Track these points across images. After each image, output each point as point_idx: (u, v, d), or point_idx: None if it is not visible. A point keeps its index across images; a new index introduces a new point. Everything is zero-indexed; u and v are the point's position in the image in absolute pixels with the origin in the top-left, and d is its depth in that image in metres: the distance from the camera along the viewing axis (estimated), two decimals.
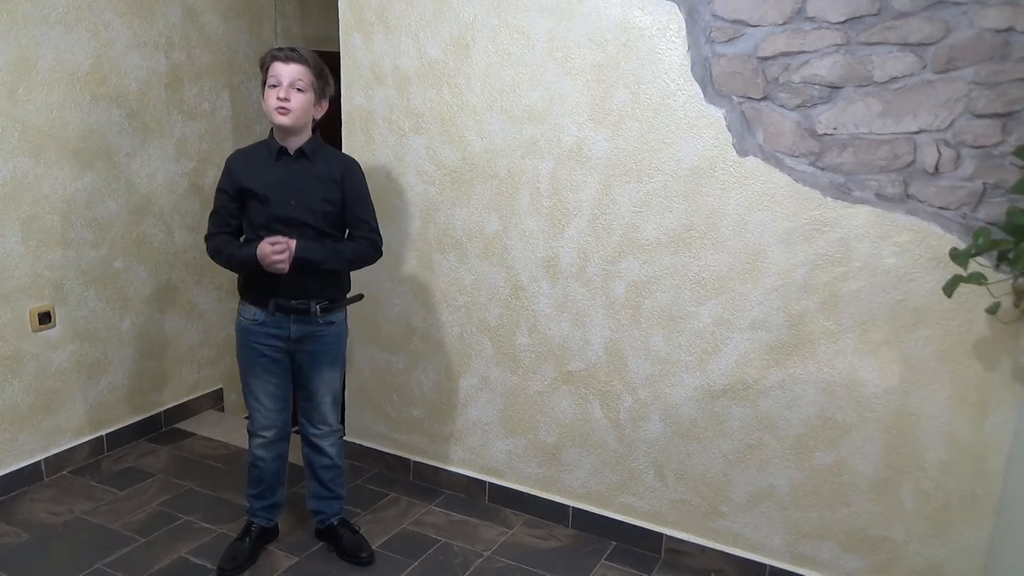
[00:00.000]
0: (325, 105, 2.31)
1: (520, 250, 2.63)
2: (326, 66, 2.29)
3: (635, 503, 2.61)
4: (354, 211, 2.35)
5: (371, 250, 2.39)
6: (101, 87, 2.99)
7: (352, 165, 2.38)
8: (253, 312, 2.32)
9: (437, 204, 2.75)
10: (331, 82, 2.32)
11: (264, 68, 2.23)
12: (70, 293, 2.98)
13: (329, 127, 3.01)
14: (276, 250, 2.17)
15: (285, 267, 2.19)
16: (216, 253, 2.31)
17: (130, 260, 3.21)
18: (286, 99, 2.18)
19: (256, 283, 2.29)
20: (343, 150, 2.89)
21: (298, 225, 2.25)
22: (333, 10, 2.83)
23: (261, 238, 2.21)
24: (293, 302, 2.29)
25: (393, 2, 2.66)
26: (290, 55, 2.19)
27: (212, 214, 2.33)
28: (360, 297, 2.54)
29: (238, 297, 2.39)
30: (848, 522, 2.28)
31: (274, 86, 2.19)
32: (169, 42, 3.24)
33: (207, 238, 2.34)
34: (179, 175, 3.37)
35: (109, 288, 3.13)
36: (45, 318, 2.89)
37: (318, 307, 2.31)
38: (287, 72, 2.18)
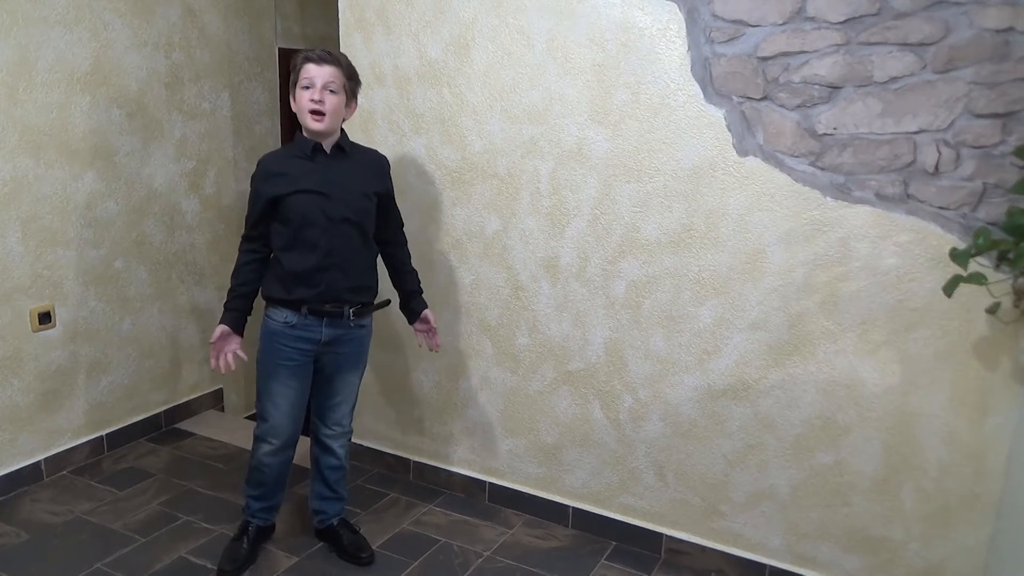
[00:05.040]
0: (355, 106, 2.32)
1: (520, 250, 2.63)
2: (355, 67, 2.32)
3: (635, 503, 2.61)
4: (390, 211, 2.43)
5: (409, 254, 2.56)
6: (101, 87, 2.99)
7: (386, 161, 2.43)
8: (285, 315, 2.29)
9: (437, 204, 2.75)
10: (360, 82, 2.33)
11: (296, 69, 2.22)
12: (70, 293, 2.98)
13: None
14: (214, 353, 2.33)
15: (214, 364, 2.34)
16: (237, 267, 2.35)
17: (130, 260, 3.21)
18: (320, 101, 2.17)
19: (289, 288, 2.27)
20: None
21: (338, 220, 2.24)
22: (333, 10, 2.83)
23: (299, 239, 2.23)
24: (327, 306, 2.29)
25: (393, 2, 2.66)
26: (324, 57, 2.19)
27: (247, 216, 2.34)
28: (387, 302, 2.55)
29: (263, 303, 2.38)
30: (848, 522, 2.28)
31: (307, 87, 2.18)
32: (169, 42, 3.24)
33: (243, 240, 2.36)
34: (179, 175, 3.37)
35: (109, 288, 3.13)
36: (45, 318, 2.89)
37: (351, 311, 2.32)
38: (320, 74, 2.17)
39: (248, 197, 2.33)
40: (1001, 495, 2.07)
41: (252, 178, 2.31)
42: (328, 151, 2.27)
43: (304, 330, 2.30)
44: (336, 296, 2.29)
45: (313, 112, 2.18)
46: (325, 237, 2.23)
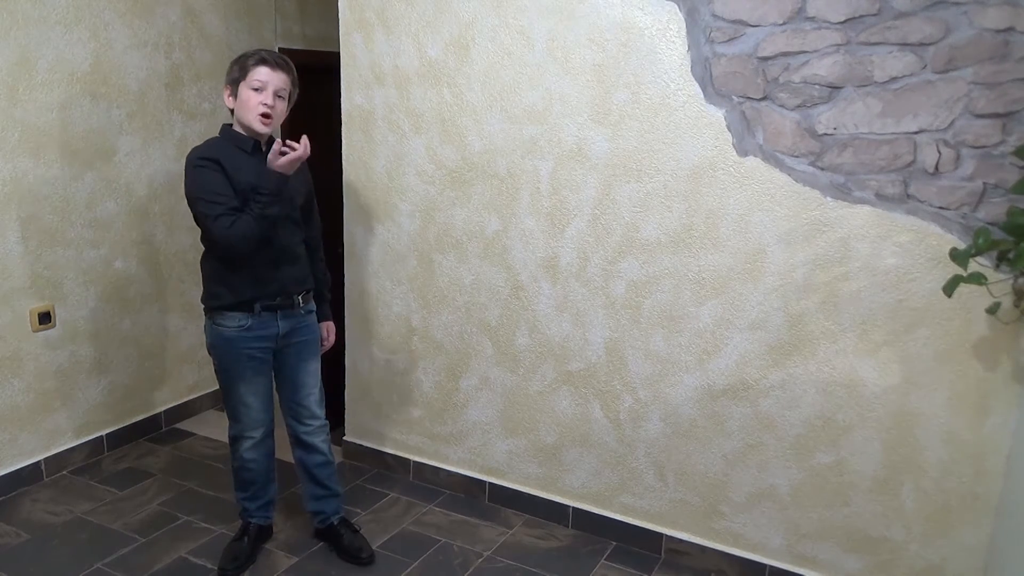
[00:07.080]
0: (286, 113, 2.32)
1: (520, 250, 2.62)
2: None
3: (635, 503, 2.61)
4: (311, 205, 2.45)
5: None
6: (101, 87, 2.99)
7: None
8: (238, 319, 2.27)
9: (437, 204, 2.75)
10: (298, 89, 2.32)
11: (245, 68, 2.17)
12: (70, 293, 2.98)
13: (329, 127, 3.02)
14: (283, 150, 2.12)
15: (287, 166, 2.11)
16: (248, 229, 2.12)
17: (130, 260, 3.21)
18: (272, 106, 2.17)
19: (238, 290, 2.24)
20: (343, 150, 2.89)
21: (284, 220, 2.26)
22: (333, 10, 2.83)
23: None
24: (278, 299, 2.30)
25: (393, 2, 2.66)
26: (279, 63, 2.19)
27: (213, 202, 2.12)
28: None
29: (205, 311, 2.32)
30: (848, 522, 2.28)
31: (258, 90, 2.16)
32: (169, 42, 3.24)
33: (229, 226, 2.11)
34: (179, 175, 3.35)
35: (109, 288, 3.13)
36: (45, 318, 2.89)
37: (300, 298, 2.35)
38: (274, 80, 2.17)
39: (197, 185, 2.14)
40: (1001, 495, 2.07)
41: (196, 163, 2.15)
42: (264, 149, 2.26)
43: (261, 328, 2.30)
44: (286, 289, 2.31)
45: (263, 115, 2.17)
46: (274, 234, 2.23)
